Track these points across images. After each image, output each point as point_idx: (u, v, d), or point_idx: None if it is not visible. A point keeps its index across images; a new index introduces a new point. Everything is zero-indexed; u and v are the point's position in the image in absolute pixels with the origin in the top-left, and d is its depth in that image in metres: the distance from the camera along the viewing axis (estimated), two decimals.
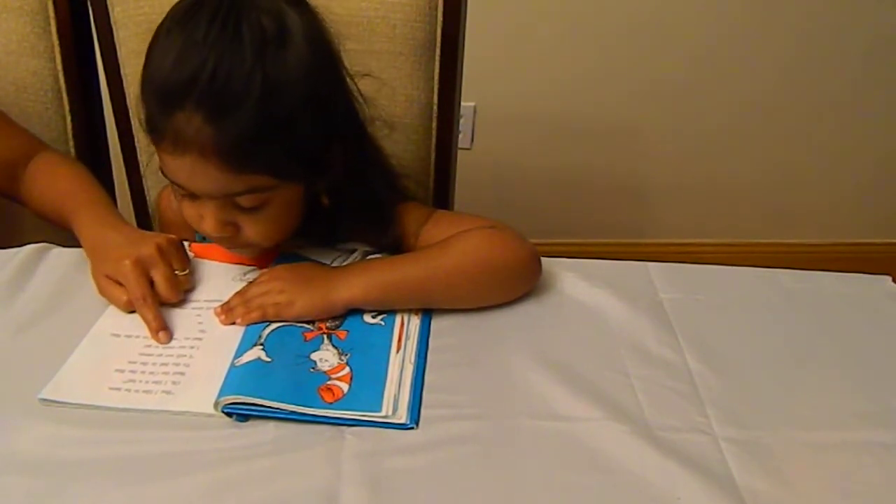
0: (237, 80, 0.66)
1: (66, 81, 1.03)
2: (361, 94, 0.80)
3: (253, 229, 0.76)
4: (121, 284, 0.74)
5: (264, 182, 0.72)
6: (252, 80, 0.67)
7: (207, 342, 0.71)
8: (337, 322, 0.74)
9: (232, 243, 0.78)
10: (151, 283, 0.74)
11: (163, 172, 0.74)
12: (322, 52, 0.74)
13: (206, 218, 0.74)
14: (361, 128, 0.82)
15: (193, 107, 0.67)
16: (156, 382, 0.67)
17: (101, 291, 0.76)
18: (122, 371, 0.68)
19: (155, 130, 0.71)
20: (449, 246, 0.77)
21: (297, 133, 0.71)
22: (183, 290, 0.77)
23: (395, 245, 0.83)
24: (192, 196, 0.74)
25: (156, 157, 0.74)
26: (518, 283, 0.78)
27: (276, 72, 0.68)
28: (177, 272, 0.76)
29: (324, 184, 0.78)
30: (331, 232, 0.84)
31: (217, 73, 0.66)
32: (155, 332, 0.72)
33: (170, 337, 0.72)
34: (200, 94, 0.66)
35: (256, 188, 0.72)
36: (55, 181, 0.90)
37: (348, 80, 0.78)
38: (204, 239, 0.92)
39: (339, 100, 0.77)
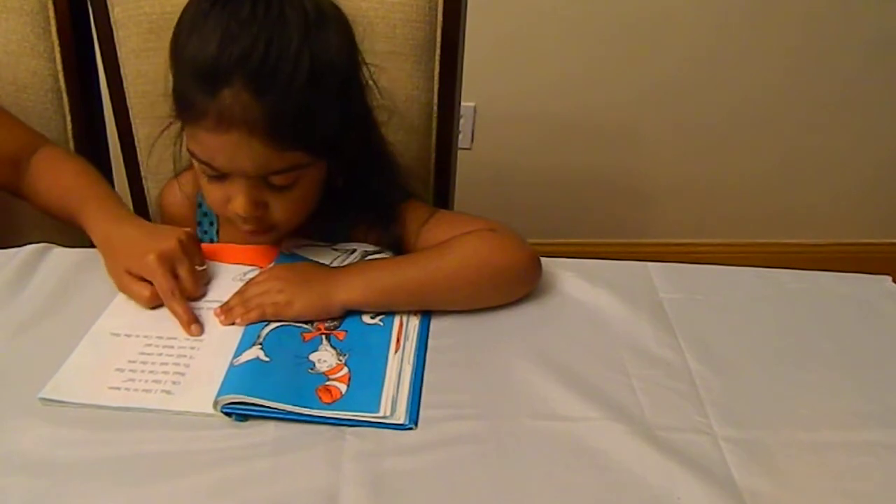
0: (286, 58, 0.69)
1: (66, 81, 1.03)
2: (373, 80, 0.82)
3: (280, 208, 0.77)
4: (142, 280, 0.74)
5: (301, 159, 0.74)
6: (300, 58, 0.69)
7: (207, 342, 0.71)
8: (336, 322, 0.74)
9: (257, 225, 0.79)
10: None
11: (191, 153, 0.75)
12: (349, 35, 0.77)
13: (237, 197, 0.75)
14: (373, 112, 0.84)
15: (242, 83, 0.68)
16: (156, 382, 0.67)
17: (123, 288, 0.76)
18: (122, 370, 0.68)
19: (194, 108, 0.71)
20: (448, 248, 0.77)
21: (331, 112, 0.73)
22: (204, 283, 0.77)
23: (395, 243, 0.84)
24: (221, 177, 0.75)
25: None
26: (517, 286, 0.78)
27: (319, 52, 0.71)
28: (196, 267, 0.77)
29: (341, 165, 0.80)
30: (335, 225, 0.84)
31: (269, 51, 0.68)
32: (187, 325, 0.72)
33: (202, 329, 0.72)
34: (251, 70, 0.68)
35: (294, 166, 0.74)
36: (60, 177, 0.90)
37: (362, 64, 0.80)
38: (206, 233, 0.92)
39: (359, 82, 0.80)
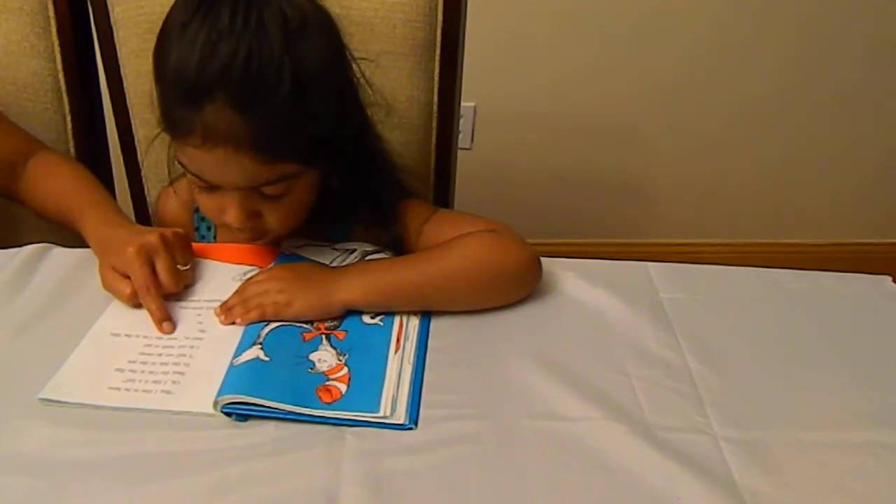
0: (268, 70, 0.67)
1: (66, 81, 1.03)
2: (365, 76, 0.81)
3: (274, 217, 0.77)
4: (126, 278, 0.74)
5: (292, 169, 0.73)
6: (282, 68, 0.67)
7: (207, 342, 0.71)
8: (335, 322, 0.74)
9: (252, 233, 0.79)
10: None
11: (181, 164, 0.74)
12: (334, 36, 0.75)
13: (230, 209, 0.75)
14: (364, 109, 0.83)
15: (225, 99, 0.67)
16: (155, 382, 0.67)
17: (106, 285, 0.76)
18: (121, 371, 0.68)
19: (179, 125, 0.70)
20: (449, 249, 0.77)
21: (319, 118, 0.72)
22: (184, 284, 0.77)
23: (395, 242, 0.84)
24: (212, 188, 0.74)
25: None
26: (517, 287, 0.78)
27: (301, 59, 0.69)
28: (179, 266, 0.76)
29: (336, 168, 0.79)
30: (334, 223, 0.84)
31: (249, 64, 0.66)
32: (158, 322, 0.72)
33: (173, 328, 0.72)
34: (232, 85, 0.67)
35: (285, 176, 0.73)
36: (57, 182, 0.90)
37: (351, 62, 0.79)
38: (205, 237, 0.92)
39: (348, 82, 0.78)
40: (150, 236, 0.75)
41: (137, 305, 0.74)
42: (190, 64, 0.67)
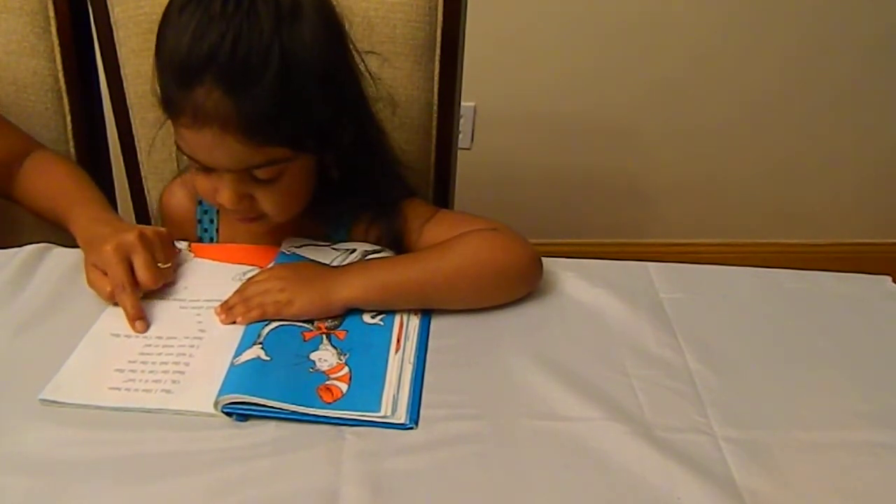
0: (256, 54, 0.68)
1: (66, 81, 1.03)
2: (368, 70, 0.81)
3: (268, 201, 0.77)
4: (107, 275, 0.74)
5: (282, 154, 0.73)
6: (270, 53, 0.68)
7: (207, 341, 0.71)
8: (336, 322, 0.74)
9: (246, 215, 0.79)
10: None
11: (178, 147, 0.75)
12: (331, 24, 0.75)
13: (223, 191, 0.75)
14: (367, 101, 0.83)
15: (213, 81, 0.68)
16: (156, 382, 0.67)
17: (90, 282, 0.76)
18: (121, 371, 0.68)
19: (173, 105, 0.71)
20: (449, 248, 0.77)
21: (312, 105, 0.72)
22: (164, 281, 0.77)
23: (397, 239, 0.84)
24: (208, 169, 0.75)
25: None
26: (518, 285, 0.78)
27: (292, 45, 0.69)
28: (159, 264, 0.76)
29: (334, 156, 0.79)
30: (336, 216, 0.84)
31: (236, 47, 0.67)
32: (132, 321, 0.72)
33: (146, 327, 0.72)
34: (220, 68, 0.68)
35: (274, 160, 0.73)
36: (50, 180, 0.90)
37: (354, 53, 0.79)
38: (207, 231, 0.92)
39: (347, 71, 0.78)
40: (129, 234, 0.75)
41: (117, 304, 0.74)
42: (182, 46, 0.69)
